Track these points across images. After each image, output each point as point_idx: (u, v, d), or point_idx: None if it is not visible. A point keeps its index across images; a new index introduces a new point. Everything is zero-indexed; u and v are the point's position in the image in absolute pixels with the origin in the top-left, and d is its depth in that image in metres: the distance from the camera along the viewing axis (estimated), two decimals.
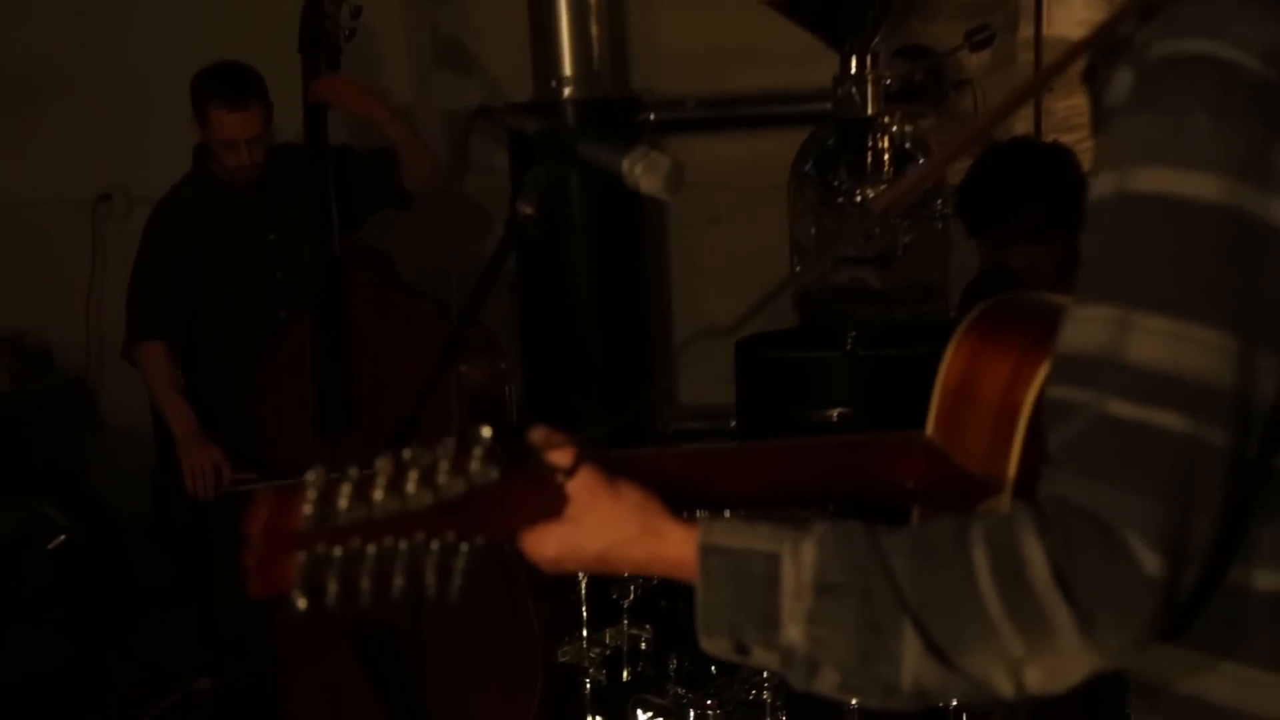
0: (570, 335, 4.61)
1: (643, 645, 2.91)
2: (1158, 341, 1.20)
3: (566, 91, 4.69)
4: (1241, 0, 1.22)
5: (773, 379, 4.14)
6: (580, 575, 3.05)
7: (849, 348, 4.01)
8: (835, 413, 3.91)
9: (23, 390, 4.92)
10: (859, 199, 4.41)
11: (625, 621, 2.91)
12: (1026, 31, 4.63)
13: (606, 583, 2.98)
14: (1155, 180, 1.21)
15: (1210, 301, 1.19)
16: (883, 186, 4.37)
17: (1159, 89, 1.22)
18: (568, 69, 4.70)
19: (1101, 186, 1.24)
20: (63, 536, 3.53)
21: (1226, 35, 1.20)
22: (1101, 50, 1.34)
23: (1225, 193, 1.19)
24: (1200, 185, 1.19)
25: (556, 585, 3.16)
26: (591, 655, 2.89)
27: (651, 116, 4.86)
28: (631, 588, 2.95)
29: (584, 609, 3.02)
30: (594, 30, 4.73)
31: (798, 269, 4.53)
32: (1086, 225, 1.27)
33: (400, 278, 4.00)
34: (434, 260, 4.08)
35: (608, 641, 2.91)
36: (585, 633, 2.91)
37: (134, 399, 4.66)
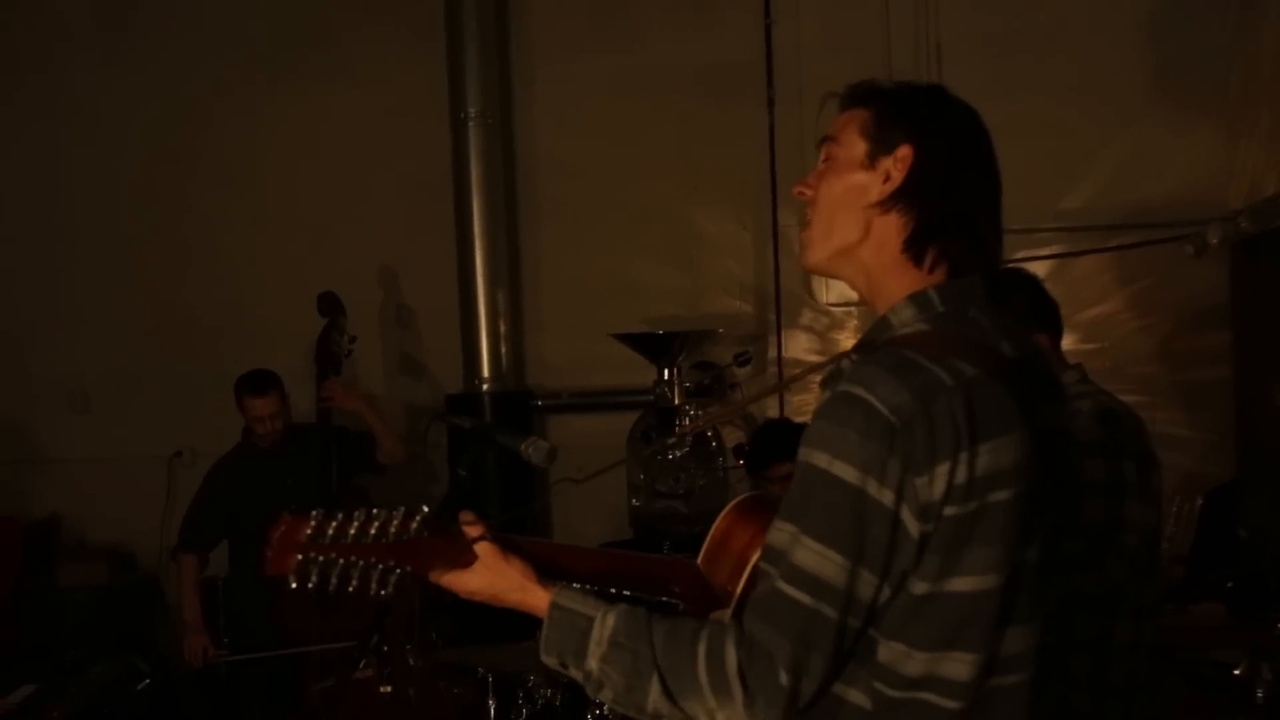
0: None
1: None
2: (810, 554, 1.29)
3: (485, 387, 4.78)
4: (889, 374, 1.30)
5: None
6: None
7: (665, 552, 4.05)
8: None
9: (116, 582, 4.88)
10: (670, 457, 4.47)
11: None
12: (772, 354, 4.81)
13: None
14: (821, 460, 1.30)
15: (841, 538, 1.28)
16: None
17: (836, 409, 1.30)
18: (486, 372, 4.80)
19: (799, 456, 1.33)
20: (148, 680, 3.52)
21: (875, 392, 1.29)
22: (827, 378, 1.45)
23: (858, 479, 1.28)
24: (846, 471, 1.28)
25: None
26: None
27: (539, 403, 4.91)
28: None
29: None
30: (503, 348, 4.83)
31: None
32: (794, 473, 1.35)
33: (372, 506, 4.12)
34: (400, 499, 4.32)
35: None
36: None
37: None
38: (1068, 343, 4.32)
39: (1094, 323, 4.58)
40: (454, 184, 4.82)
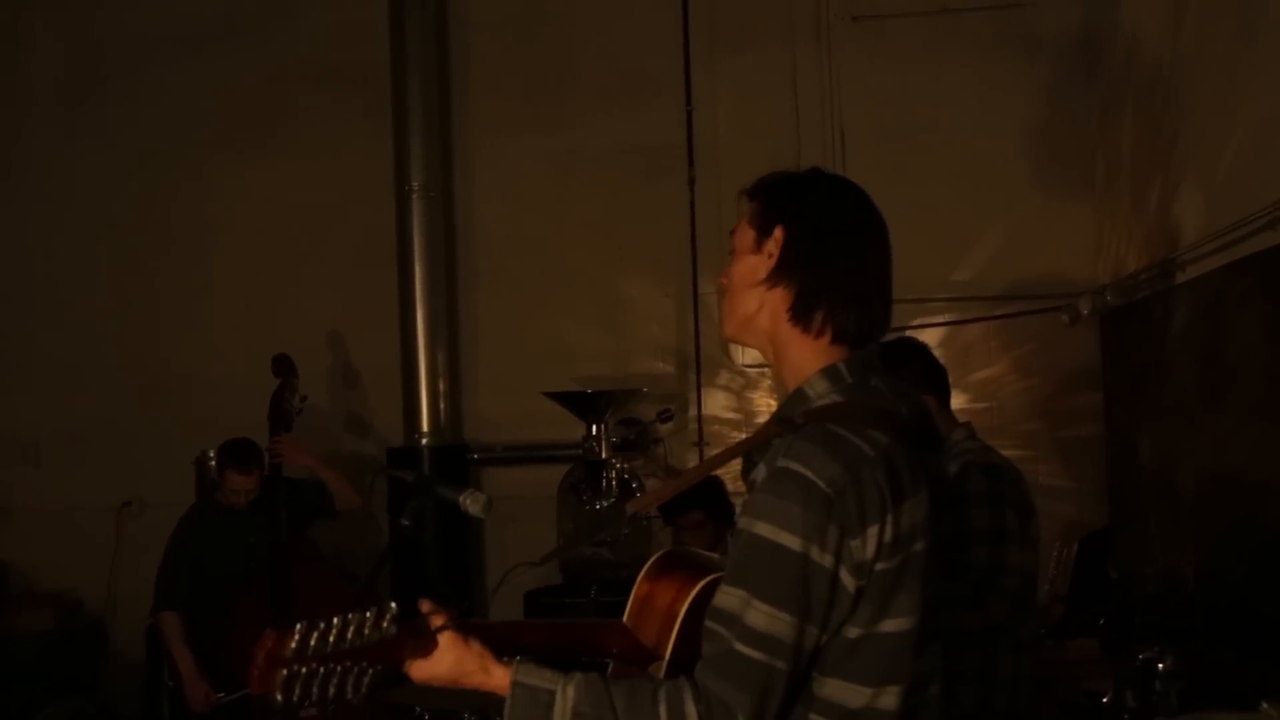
0: (422, 589, 4.55)
1: None
2: (762, 616, 1.34)
3: (424, 440, 4.77)
4: (821, 449, 1.37)
5: (545, 617, 4.16)
6: None
7: (592, 596, 4.01)
8: None
9: (63, 628, 4.78)
10: (598, 507, 4.48)
11: None
12: (693, 412, 4.89)
13: None
14: (767, 530, 1.35)
15: (788, 599, 1.34)
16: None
17: (775, 483, 1.36)
18: (425, 427, 4.79)
19: (742, 525, 1.38)
20: None
21: (810, 466, 1.35)
22: (754, 449, 1.50)
23: (801, 546, 1.34)
24: (789, 539, 1.34)
25: None
26: None
27: (475, 456, 4.90)
28: None
29: None
30: (442, 405, 4.83)
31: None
32: (734, 542, 1.38)
33: (319, 553, 4.04)
34: (346, 547, 4.30)
35: None
36: None
37: (132, 638, 4.54)
38: (958, 403, 4.56)
39: (981, 384, 4.70)
40: (398, 252, 4.86)
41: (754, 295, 1.52)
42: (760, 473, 1.42)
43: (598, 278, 5.01)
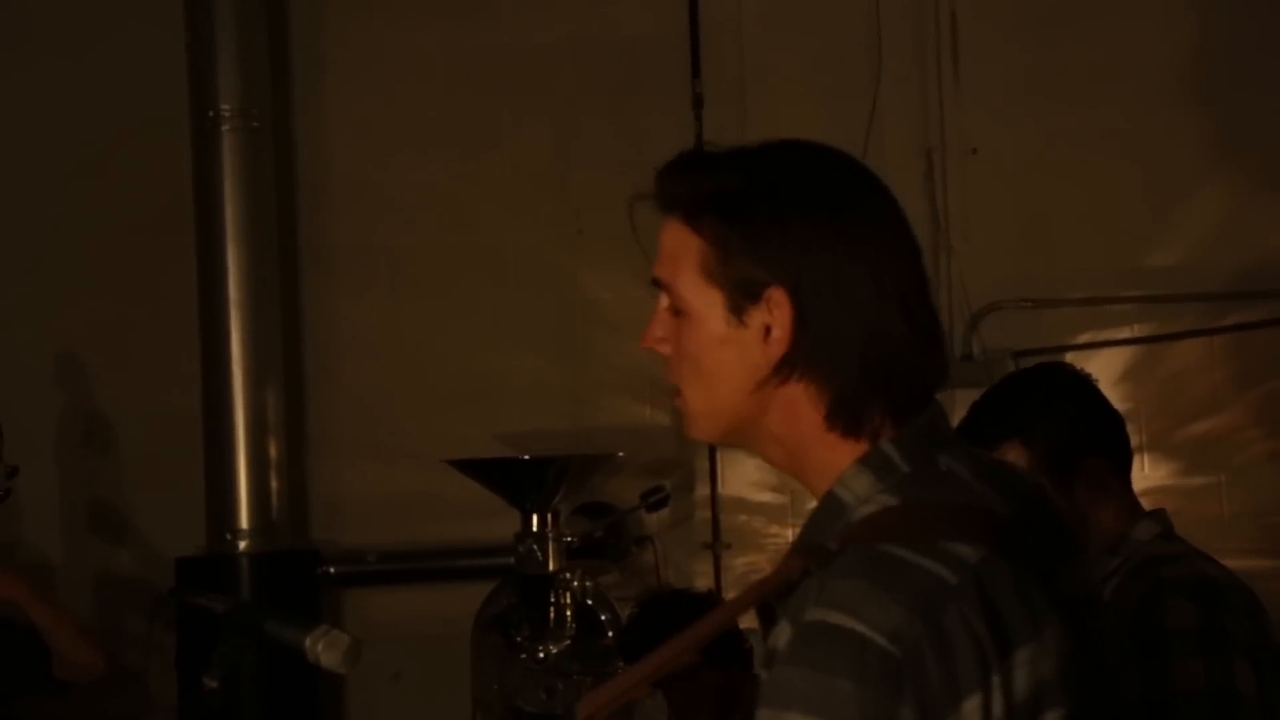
0: None
1: None
2: None
3: (242, 545, 4.77)
4: (873, 587, 1.42)
5: None
6: None
7: None
8: None
9: None
10: (541, 655, 4.43)
11: None
12: (703, 491, 4.92)
13: None
14: None
15: None
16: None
17: (810, 648, 1.42)
18: (244, 522, 4.79)
19: None
20: None
21: (861, 616, 1.40)
22: (773, 594, 1.55)
23: None
24: None
25: None
26: None
27: (331, 570, 4.93)
28: None
29: None
30: (273, 483, 4.87)
31: None
32: None
33: None
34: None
35: None
36: None
37: None
38: (1156, 476, 4.52)
39: (1200, 443, 4.67)
40: (197, 221, 4.89)
41: (751, 397, 1.57)
42: (783, 636, 1.45)
43: (541, 265, 5.07)
